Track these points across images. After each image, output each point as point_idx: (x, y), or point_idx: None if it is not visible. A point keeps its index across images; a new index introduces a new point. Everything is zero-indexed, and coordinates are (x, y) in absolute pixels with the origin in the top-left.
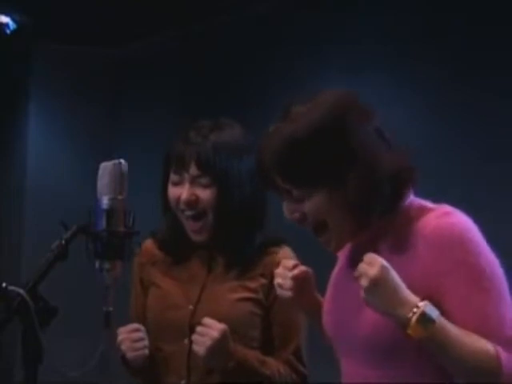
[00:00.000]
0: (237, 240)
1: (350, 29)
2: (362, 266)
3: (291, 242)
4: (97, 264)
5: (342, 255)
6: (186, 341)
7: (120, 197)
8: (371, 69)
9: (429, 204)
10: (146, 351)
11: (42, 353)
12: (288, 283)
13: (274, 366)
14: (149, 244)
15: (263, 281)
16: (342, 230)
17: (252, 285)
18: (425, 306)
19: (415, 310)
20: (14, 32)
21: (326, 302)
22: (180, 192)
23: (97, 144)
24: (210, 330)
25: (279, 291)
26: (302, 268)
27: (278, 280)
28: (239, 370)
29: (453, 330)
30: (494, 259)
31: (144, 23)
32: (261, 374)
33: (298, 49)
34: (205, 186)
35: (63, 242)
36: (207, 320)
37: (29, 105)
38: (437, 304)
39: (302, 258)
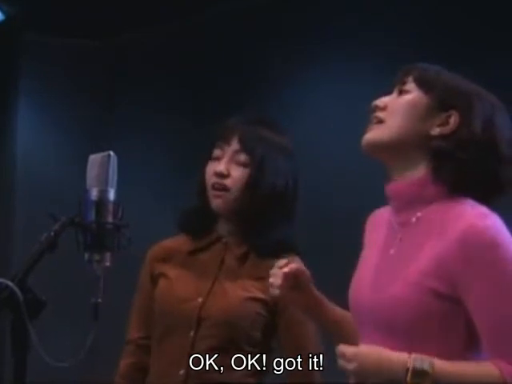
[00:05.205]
0: (256, 226)
1: (350, 22)
2: (341, 363)
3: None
4: (86, 256)
5: (373, 236)
6: (192, 333)
7: (109, 189)
8: (372, 67)
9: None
10: None
11: (30, 345)
12: (277, 281)
13: None
14: (164, 242)
15: None
16: (390, 124)
17: (261, 286)
18: (413, 361)
19: (408, 365)
20: (1, 23)
21: (355, 280)
22: (217, 166)
23: (89, 138)
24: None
25: (270, 289)
26: (294, 266)
27: (270, 279)
28: None
29: (450, 368)
30: None
31: (136, 15)
32: None
33: (297, 45)
34: (241, 164)
35: (52, 233)
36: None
37: (18, 99)
38: (459, 299)
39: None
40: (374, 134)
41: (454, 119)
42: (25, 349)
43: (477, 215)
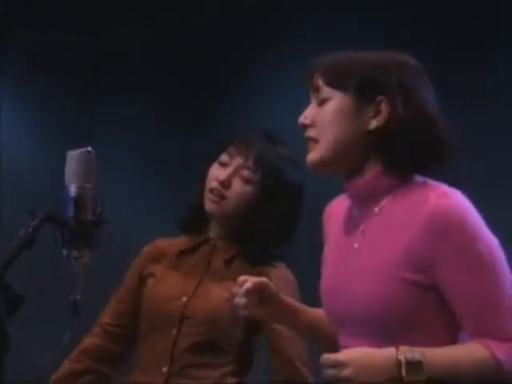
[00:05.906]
0: (252, 239)
1: (349, 22)
2: (333, 371)
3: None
4: (64, 252)
5: (332, 229)
6: (175, 330)
7: (88, 185)
8: None
9: (429, 180)
10: None
11: (8, 341)
12: (242, 300)
13: None
14: (160, 241)
15: None
16: (324, 141)
17: None
18: (404, 353)
19: (399, 358)
20: None
21: (324, 285)
22: (221, 173)
23: (71, 136)
24: None
25: (238, 311)
26: (254, 280)
27: (235, 300)
28: None
29: (440, 355)
30: (492, 241)
31: (136, 15)
32: None
33: (298, 45)
34: (244, 180)
35: (30, 229)
36: None
37: (0, 97)
38: (435, 285)
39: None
40: (313, 156)
41: (384, 106)
42: (2, 346)
43: (439, 196)
